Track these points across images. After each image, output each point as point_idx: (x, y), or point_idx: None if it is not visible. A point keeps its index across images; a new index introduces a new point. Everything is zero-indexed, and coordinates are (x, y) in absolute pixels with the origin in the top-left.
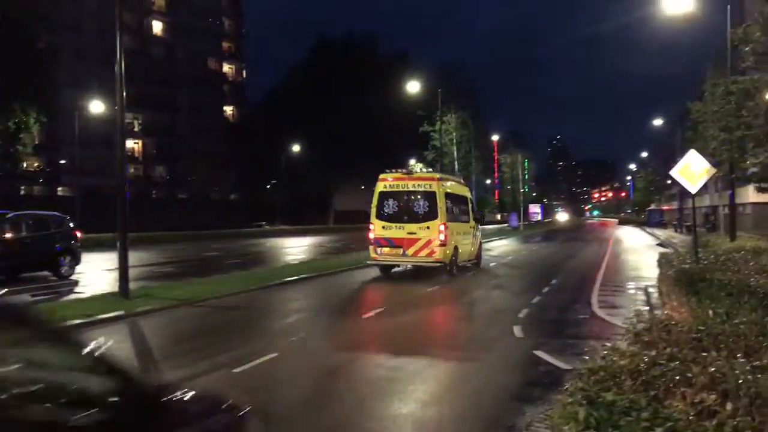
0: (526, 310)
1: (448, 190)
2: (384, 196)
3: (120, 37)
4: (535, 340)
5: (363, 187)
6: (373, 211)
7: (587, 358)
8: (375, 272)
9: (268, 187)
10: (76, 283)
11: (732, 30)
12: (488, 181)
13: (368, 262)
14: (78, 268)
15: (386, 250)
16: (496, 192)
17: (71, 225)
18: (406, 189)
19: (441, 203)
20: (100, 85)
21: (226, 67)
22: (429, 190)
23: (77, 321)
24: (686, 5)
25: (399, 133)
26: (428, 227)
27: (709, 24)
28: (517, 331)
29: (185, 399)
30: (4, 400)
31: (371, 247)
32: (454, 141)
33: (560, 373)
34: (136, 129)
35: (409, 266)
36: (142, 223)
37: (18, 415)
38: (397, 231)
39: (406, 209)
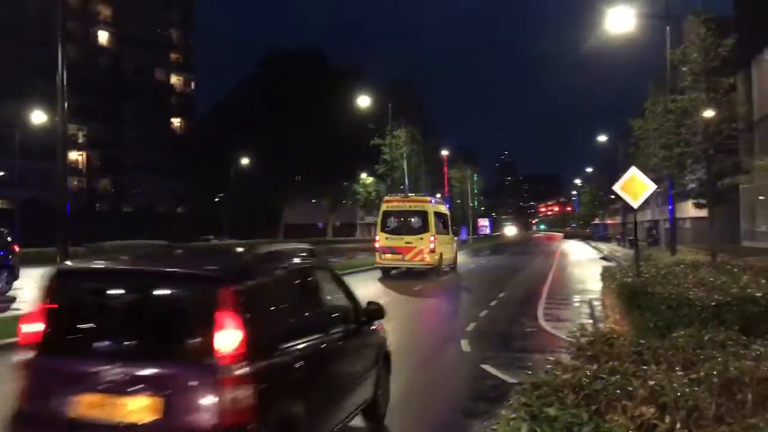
0: (474, 324)
1: (435, 210)
2: (387, 214)
3: (62, 47)
4: (483, 354)
5: (314, 201)
6: (379, 226)
7: (530, 372)
8: None
9: (216, 200)
10: (13, 299)
11: (671, 51)
12: (438, 195)
13: (375, 265)
14: (16, 284)
15: (389, 255)
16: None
17: (9, 239)
18: (404, 209)
19: (431, 220)
20: (43, 95)
21: (174, 79)
22: (422, 209)
23: (12, 340)
24: (627, 26)
25: (349, 147)
26: (421, 238)
27: (651, 44)
28: (465, 345)
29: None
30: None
31: (377, 254)
32: (404, 155)
33: (506, 387)
34: (80, 140)
35: (403, 269)
36: (85, 237)
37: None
38: (397, 241)
39: (405, 224)
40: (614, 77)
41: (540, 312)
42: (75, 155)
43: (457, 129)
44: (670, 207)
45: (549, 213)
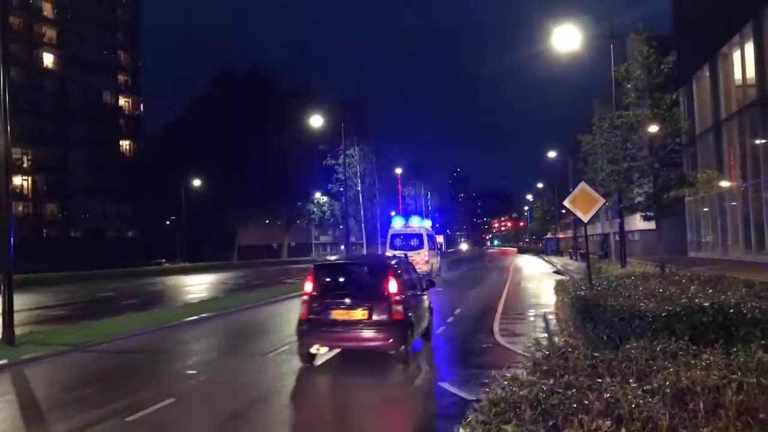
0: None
1: (427, 232)
2: (393, 237)
3: (5, 69)
4: (440, 371)
5: (267, 222)
6: (388, 245)
7: (487, 390)
8: (281, 310)
9: (167, 223)
10: None
11: (615, 68)
12: (393, 213)
13: None
14: None
15: None
16: None
17: None
18: (406, 232)
19: (425, 240)
20: None
21: (123, 101)
22: (418, 232)
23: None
24: (574, 44)
25: (303, 167)
26: (419, 253)
27: (597, 61)
28: (423, 362)
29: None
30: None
31: None
32: (358, 174)
33: (465, 404)
34: (25, 165)
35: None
36: (31, 264)
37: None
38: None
39: (407, 243)
40: (563, 94)
41: (496, 327)
42: (20, 180)
43: (411, 147)
44: (619, 220)
45: (502, 228)
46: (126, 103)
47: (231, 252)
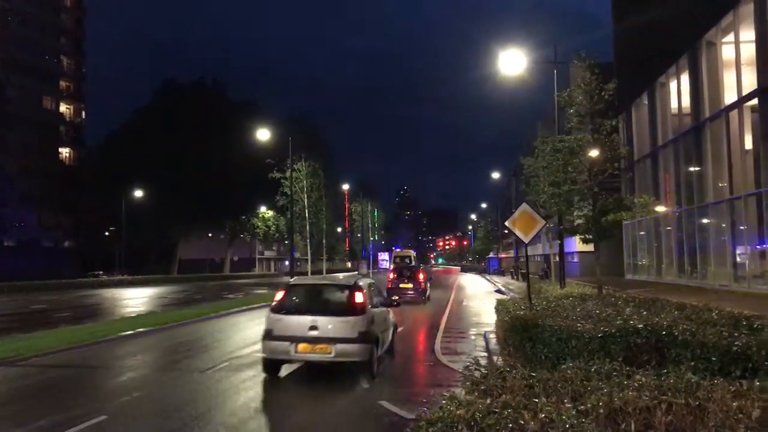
0: None
1: (414, 254)
2: (395, 257)
3: None
4: (381, 390)
5: (210, 235)
6: (392, 261)
7: (425, 409)
8: (222, 325)
9: (107, 234)
10: None
11: (558, 93)
12: (339, 229)
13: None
14: None
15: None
16: (347, 240)
17: None
18: (402, 254)
19: (413, 258)
20: None
21: (64, 107)
22: (409, 254)
23: None
24: (519, 68)
25: (248, 181)
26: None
27: (543, 85)
28: (363, 380)
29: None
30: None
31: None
32: (305, 189)
33: (405, 423)
34: None
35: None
36: None
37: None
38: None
39: (402, 260)
40: (510, 116)
41: (438, 346)
42: None
43: (358, 165)
44: (559, 242)
45: (447, 247)
46: (67, 110)
47: (172, 265)
